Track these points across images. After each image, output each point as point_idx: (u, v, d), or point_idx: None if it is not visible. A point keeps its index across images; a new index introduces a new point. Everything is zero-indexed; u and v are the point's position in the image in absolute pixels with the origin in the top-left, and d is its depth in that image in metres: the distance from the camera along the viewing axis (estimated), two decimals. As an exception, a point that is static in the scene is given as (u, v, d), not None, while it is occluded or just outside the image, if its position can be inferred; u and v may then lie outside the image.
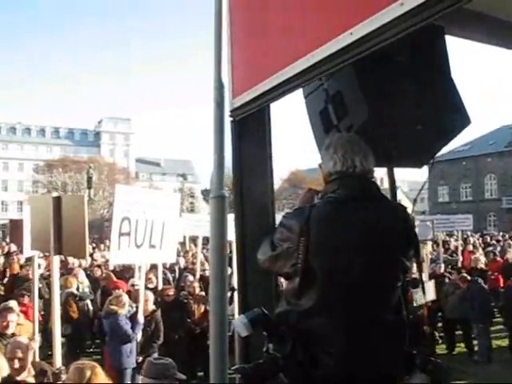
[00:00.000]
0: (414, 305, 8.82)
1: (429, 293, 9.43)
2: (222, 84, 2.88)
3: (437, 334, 11.90)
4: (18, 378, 4.40)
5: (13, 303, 7.48)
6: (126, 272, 12.60)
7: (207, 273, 12.88)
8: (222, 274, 2.80)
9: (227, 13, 3.01)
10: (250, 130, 2.94)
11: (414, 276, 7.77)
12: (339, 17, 2.11)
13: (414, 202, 3.54)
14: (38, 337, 6.55)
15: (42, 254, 9.32)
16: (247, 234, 2.94)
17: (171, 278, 12.67)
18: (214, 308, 2.79)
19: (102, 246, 22.34)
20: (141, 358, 7.80)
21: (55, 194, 4.82)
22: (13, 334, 6.11)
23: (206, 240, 12.95)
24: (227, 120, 2.90)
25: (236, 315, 7.67)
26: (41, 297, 9.32)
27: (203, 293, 10.13)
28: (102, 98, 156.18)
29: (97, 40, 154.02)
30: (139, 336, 7.85)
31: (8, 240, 44.20)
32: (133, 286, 9.59)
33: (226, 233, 2.80)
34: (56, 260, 4.64)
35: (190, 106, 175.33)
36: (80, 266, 13.71)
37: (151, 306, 8.42)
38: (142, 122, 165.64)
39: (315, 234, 2.26)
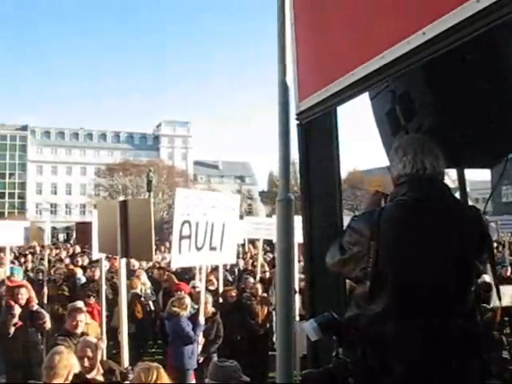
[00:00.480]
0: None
1: (505, 297, 9.12)
2: (287, 87, 2.87)
3: (504, 339, 11.54)
4: (88, 376, 4.51)
5: (80, 303, 7.71)
6: (186, 273, 12.75)
7: (267, 275, 12.93)
8: (289, 276, 2.78)
9: (291, 14, 3.00)
10: (317, 132, 2.91)
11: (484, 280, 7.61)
12: (411, 16, 2.06)
13: (486, 202, 3.45)
14: (105, 336, 6.72)
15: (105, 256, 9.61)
16: (315, 237, 2.92)
17: (231, 280, 12.74)
18: (280, 310, 2.78)
19: (163, 248, 22.64)
20: (202, 359, 7.92)
21: (121, 198, 4.94)
22: (81, 334, 6.28)
23: (265, 242, 13.00)
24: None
25: (297, 317, 7.67)
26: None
27: (265, 294, 10.16)
28: (160, 101, 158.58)
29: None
30: (200, 337, 7.92)
31: (72, 242, 45.50)
32: (194, 287, 9.68)
33: (292, 235, 2.78)
34: (123, 262, 4.74)
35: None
36: (141, 267, 13.94)
37: (211, 308, 8.49)
38: (200, 124, 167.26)
39: (386, 238, 2.23)
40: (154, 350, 12.15)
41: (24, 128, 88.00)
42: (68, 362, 4.16)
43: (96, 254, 6.66)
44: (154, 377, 4.30)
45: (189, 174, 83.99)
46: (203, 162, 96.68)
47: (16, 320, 8.03)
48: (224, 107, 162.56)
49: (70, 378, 4.14)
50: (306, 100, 2.79)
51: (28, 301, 8.30)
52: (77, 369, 4.26)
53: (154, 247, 4.29)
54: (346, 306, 2.74)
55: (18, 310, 8.03)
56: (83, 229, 10.44)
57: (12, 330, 7.98)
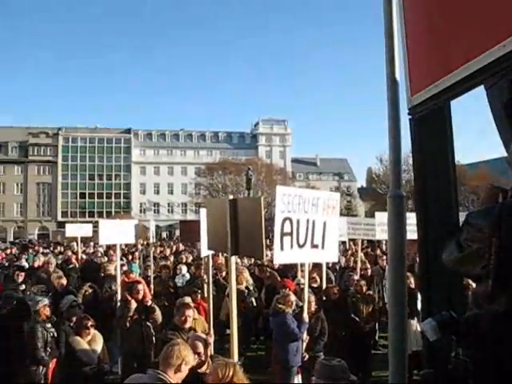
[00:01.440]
0: None
1: None
2: (397, 82, 2.81)
3: None
4: (199, 371, 4.62)
5: (188, 299, 7.95)
6: (287, 271, 12.82)
7: (368, 272, 12.79)
8: (402, 274, 2.71)
9: (399, 6, 2.93)
10: (430, 127, 2.83)
11: None
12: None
13: None
14: (212, 332, 6.88)
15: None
16: (430, 234, 2.84)
17: (333, 277, 12.68)
18: (393, 309, 2.72)
19: (264, 245, 22.77)
20: (307, 357, 7.93)
21: (221, 197, 5.03)
22: (189, 328, 6.46)
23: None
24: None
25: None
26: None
27: (370, 291, 10.04)
28: (258, 100, 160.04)
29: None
30: (305, 335, 7.93)
31: (176, 239, 46.75)
32: (298, 284, 9.73)
33: (404, 233, 2.72)
34: (233, 260, 4.83)
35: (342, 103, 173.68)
36: (243, 264, 14.16)
37: (314, 306, 8.48)
38: (298, 122, 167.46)
39: (508, 234, 2.13)
40: (256, 346, 12.29)
41: (128, 131, 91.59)
42: (182, 353, 4.28)
43: (204, 252, 6.84)
44: (231, 374, 4.32)
45: (287, 171, 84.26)
46: (301, 159, 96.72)
47: (132, 313, 8.41)
48: (322, 104, 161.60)
49: (184, 369, 4.26)
50: (419, 94, 2.72)
51: (143, 296, 8.67)
52: (192, 362, 4.36)
53: (264, 245, 4.33)
54: (463, 304, 2.65)
55: (134, 305, 8.40)
56: (187, 227, 10.71)
57: (130, 322, 8.37)
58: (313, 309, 8.40)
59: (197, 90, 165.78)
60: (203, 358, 4.85)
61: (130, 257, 18.28)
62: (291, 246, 6.12)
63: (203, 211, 6.24)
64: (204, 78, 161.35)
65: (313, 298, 8.52)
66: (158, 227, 68.81)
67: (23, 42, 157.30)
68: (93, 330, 7.07)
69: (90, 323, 7.02)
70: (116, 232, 9.99)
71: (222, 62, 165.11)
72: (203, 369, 4.73)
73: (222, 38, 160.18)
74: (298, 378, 7.93)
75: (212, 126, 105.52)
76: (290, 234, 6.10)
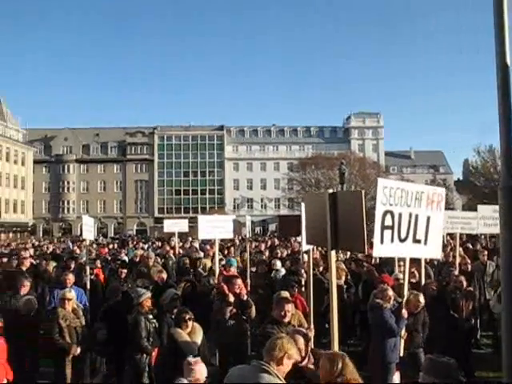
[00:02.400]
0: None
1: None
2: (507, 70, 2.69)
3: None
4: (301, 365, 4.61)
5: (286, 293, 7.99)
6: (384, 265, 12.62)
7: (468, 267, 12.34)
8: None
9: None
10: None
11: None
12: None
13: None
14: (312, 326, 6.87)
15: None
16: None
17: (432, 273, 12.34)
18: (507, 306, 2.62)
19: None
20: (402, 353, 7.75)
21: (314, 192, 4.99)
22: (288, 323, 6.49)
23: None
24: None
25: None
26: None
27: (471, 288, 9.70)
28: (350, 94, 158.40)
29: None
30: (403, 331, 7.77)
31: (270, 234, 47.01)
32: (396, 279, 9.55)
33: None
34: (333, 254, 4.80)
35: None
36: (339, 259, 14.03)
37: (416, 302, 8.27)
38: (391, 114, 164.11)
39: None
40: (352, 341, 12.17)
41: (220, 128, 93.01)
42: (285, 347, 4.27)
43: (305, 246, 6.84)
44: (340, 366, 4.25)
45: (380, 165, 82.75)
46: (395, 152, 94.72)
47: (230, 308, 8.56)
48: (416, 96, 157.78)
49: (287, 363, 4.25)
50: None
51: (240, 290, 8.80)
52: (296, 357, 4.34)
53: (366, 239, 4.27)
54: None
55: (231, 299, 8.54)
56: (285, 222, 10.82)
57: (226, 316, 8.52)
58: (419, 308, 8.21)
59: (288, 86, 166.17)
60: (303, 354, 4.83)
61: (226, 251, 18.54)
62: (392, 240, 5.98)
63: (303, 206, 6.24)
64: (294, 73, 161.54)
65: (421, 299, 8.29)
66: (251, 222, 69.60)
67: (126, 44, 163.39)
68: (192, 323, 7.23)
69: (188, 316, 7.19)
70: (214, 227, 10.17)
71: (312, 55, 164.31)
72: (304, 362, 4.72)
73: (309, 32, 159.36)
74: (396, 375, 7.78)
75: (304, 121, 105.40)
76: (391, 227, 5.96)
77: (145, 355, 8.15)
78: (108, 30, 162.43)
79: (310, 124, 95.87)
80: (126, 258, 18.16)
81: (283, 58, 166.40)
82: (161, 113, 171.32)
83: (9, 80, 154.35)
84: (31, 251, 22.04)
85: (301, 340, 4.90)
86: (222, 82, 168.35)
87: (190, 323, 7.19)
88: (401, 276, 9.19)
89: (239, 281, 9.04)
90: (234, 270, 11.58)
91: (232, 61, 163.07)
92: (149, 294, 8.52)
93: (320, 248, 13.95)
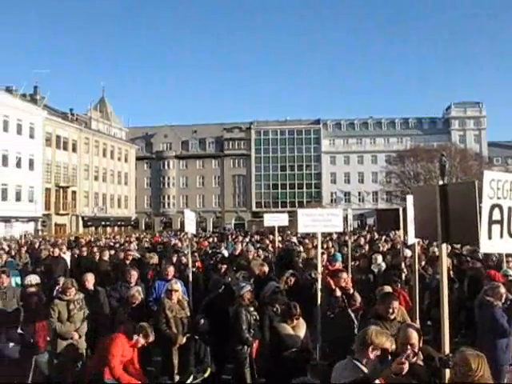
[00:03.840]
0: None
1: None
2: None
3: None
4: (411, 362, 4.48)
5: (388, 288, 7.83)
6: (488, 261, 12.15)
7: None
8: None
9: None
10: None
11: None
12: None
13: None
14: (418, 322, 6.68)
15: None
16: None
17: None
18: None
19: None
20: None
21: (413, 184, 4.81)
22: (393, 319, 6.33)
23: None
24: None
25: None
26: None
27: None
28: (448, 83, 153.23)
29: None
30: (512, 331, 7.40)
31: (368, 228, 46.45)
32: (506, 276, 9.14)
33: None
34: (443, 247, 4.62)
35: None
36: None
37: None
38: (495, 103, 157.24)
39: None
40: (457, 339, 11.73)
41: (317, 122, 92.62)
42: (372, 339, 4.24)
43: (411, 240, 6.66)
44: (475, 366, 4.13)
45: (483, 156, 79.51)
46: (499, 142, 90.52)
47: (336, 302, 8.49)
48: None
49: (375, 353, 4.22)
50: None
51: (346, 284, 8.72)
52: (387, 345, 4.35)
53: (480, 231, 4.08)
54: None
55: (338, 293, 8.48)
56: (385, 215, 10.55)
57: (334, 310, 8.46)
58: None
59: (385, 77, 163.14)
60: (416, 349, 4.69)
61: (325, 246, 18.44)
62: (501, 235, 5.66)
63: (410, 198, 6.07)
64: (391, 64, 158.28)
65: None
66: (347, 216, 68.81)
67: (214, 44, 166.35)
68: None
69: (296, 313, 7.21)
70: (316, 220, 10.07)
71: (408, 46, 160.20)
72: (413, 359, 4.57)
73: (406, 22, 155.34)
74: (507, 378, 7.40)
75: (401, 113, 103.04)
76: (500, 222, 5.65)
77: (246, 347, 8.24)
78: (212, 27, 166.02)
79: (407, 115, 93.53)
80: (225, 252, 18.43)
81: (381, 50, 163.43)
82: (257, 108, 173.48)
83: (112, 81, 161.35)
84: (135, 244, 22.87)
85: (414, 334, 4.75)
86: (317, 76, 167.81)
87: (295, 319, 7.21)
88: (510, 272, 8.78)
89: (345, 275, 8.96)
90: (338, 265, 11.47)
91: (328, 54, 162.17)
92: (250, 287, 8.60)
93: (422, 242, 13.58)
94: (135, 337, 6.86)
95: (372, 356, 4.38)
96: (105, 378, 6.73)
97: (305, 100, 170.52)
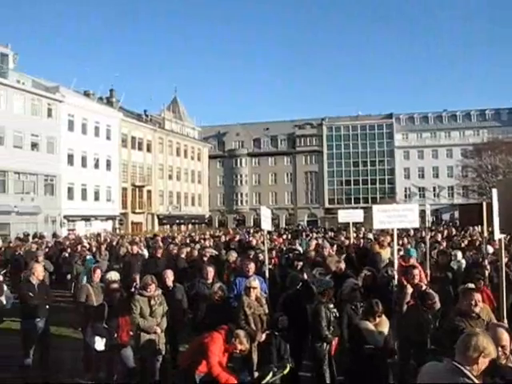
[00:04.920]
0: None
1: None
2: None
3: None
4: (501, 363, 4.29)
5: (472, 285, 7.62)
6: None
7: None
8: None
9: None
10: None
11: None
12: None
13: None
14: (506, 321, 6.46)
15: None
16: None
17: None
18: None
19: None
20: None
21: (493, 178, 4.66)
22: (478, 316, 6.17)
23: None
24: None
25: None
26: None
27: None
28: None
29: None
30: None
31: (444, 224, 45.33)
32: None
33: None
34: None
35: None
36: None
37: None
38: None
39: None
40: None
41: (389, 116, 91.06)
42: (480, 345, 3.88)
43: (497, 235, 6.46)
44: None
45: None
46: None
47: (408, 299, 8.35)
48: None
49: (483, 361, 3.89)
50: None
51: (419, 281, 8.56)
52: (493, 354, 3.96)
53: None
54: None
55: (409, 290, 8.34)
56: (465, 210, 10.26)
57: (405, 308, 8.33)
58: None
59: (458, 67, 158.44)
60: (507, 351, 4.45)
61: (401, 242, 18.15)
62: None
63: (495, 192, 5.90)
64: (465, 51, 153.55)
65: None
66: (423, 212, 67.37)
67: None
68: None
69: (378, 311, 7.13)
70: (391, 216, 9.93)
71: (482, 31, 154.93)
72: (503, 361, 4.36)
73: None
74: None
75: (477, 104, 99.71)
76: None
77: (325, 344, 8.22)
78: (287, 24, 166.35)
79: (484, 107, 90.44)
80: (300, 248, 18.44)
81: (453, 39, 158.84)
82: (328, 104, 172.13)
83: (184, 82, 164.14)
84: (210, 242, 23.20)
85: (505, 335, 4.53)
86: (389, 70, 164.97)
87: (377, 316, 7.13)
88: None
89: (417, 271, 8.78)
90: (413, 261, 11.25)
91: (398, 47, 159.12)
92: (330, 284, 8.56)
93: (503, 238, 13.12)
94: (233, 340, 6.95)
95: (481, 365, 3.94)
96: (195, 373, 6.86)
97: (376, 95, 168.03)
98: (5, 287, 11.99)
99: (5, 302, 11.59)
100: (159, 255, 15.41)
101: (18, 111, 47.33)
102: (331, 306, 8.36)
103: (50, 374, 9.79)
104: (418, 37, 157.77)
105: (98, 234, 40.66)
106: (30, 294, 9.36)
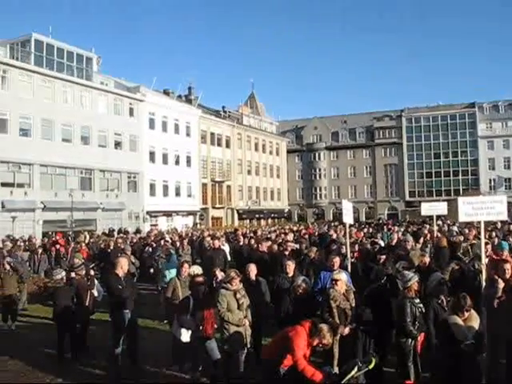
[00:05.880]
0: None
1: None
2: None
3: None
4: None
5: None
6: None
7: None
8: None
9: None
10: None
11: None
12: None
13: None
14: None
15: None
16: None
17: None
18: None
19: None
20: None
21: None
22: None
23: None
24: None
25: None
26: None
27: None
28: None
29: None
30: None
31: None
32: None
33: None
34: None
35: None
36: None
37: None
38: None
39: None
40: None
41: (471, 105, 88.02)
42: None
43: None
44: None
45: None
46: None
47: (499, 294, 8.08)
48: None
49: None
50: None
51: (510, 275, 8.28)
52: None
53: None
54: None
55: (501, 284, 8.07)
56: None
57: (495, 303, 8.06)
58: None
59: None
60: None
61: (487, 235, 17.57)
62: None
63: None
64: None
65: None
66: (510, 204, 64.85)
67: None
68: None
69: (467, 305, 6.94)
70: (477, 209, 9.62)
71: None
72: None
73: None
74: None
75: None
76: None
77: (410, 340, 8.06)
78: (358, 19, 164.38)
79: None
80: (381, 242, 18.21)
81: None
82: (407, 95, 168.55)
83: (261, 77, 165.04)
84: (291, 236, 23.23)
85: None
86: (470, 57, 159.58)
87: (466, 311, 6.93)
88: None
89: (508, 265, 8.47)
90: (506, 254, 10.84)
91: (478, 32, 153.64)
92: (417, 278, 8.37)
93: None
94: (316, 334, 6.94)
95: None
96: (279, 367, 6.89)
97: (457, 83, 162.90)
98: (95, 281, 12.45)
99: (96, 295, 12.06)
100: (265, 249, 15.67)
101: (102, 111, 49.20)
102: (417, 301, 8.17)
103: (139, 363, 10.12)
104: (500, 21, 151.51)
105: (175, 229, 41.71)
106: (120, 286, 9.66)
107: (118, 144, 50.77)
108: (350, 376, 6.83)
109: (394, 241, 16.56)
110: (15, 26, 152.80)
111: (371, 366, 7.07)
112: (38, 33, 44.34)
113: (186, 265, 11.08)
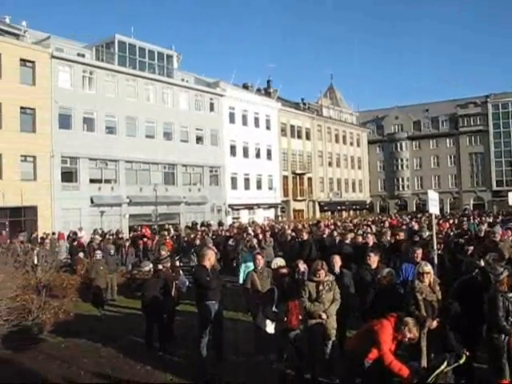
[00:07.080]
0: None
1: None
2: None
3: None
4: None
5: None
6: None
7: None
8: None
9: None
10: None
11: None
12: None
13: None
14: None
15: None
16: None
17: None
18: None
19: None
20: None
21: None
22: None
23: None
24: None
25: None
26: None
27: None
28: None
29: None
30: None
31: None
32: None
33: None
34: None
35: None
36: None
37: None
38: None
39: None
40: None
41: None
42: None
43: None
44: None
45: None
46: None
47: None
48: None
49: None
50: None
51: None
52: None
53: None
54: None
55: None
56: None
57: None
58: None
59: None
60: None
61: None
62: None
63: None
64: None
65: None
66: None
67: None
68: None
69: None
70: None
71: None
72: None
73: None
74: None
75: None
76: None
77: (503, 335, 7.76)
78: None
79: None
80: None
81: None
82: (493, 80, 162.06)
83: (340, 68, 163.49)
84: (373, 228, 22.96)
85: None
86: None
87: None
88: None
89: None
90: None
91: None
92: (508, 271, 8.06)
93: None
94: (402, 328, 6.84)
95: None
96: (364, 360, 6.84)
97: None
98: (180, 272, 12.77)
99: (181, 286, 12.37)
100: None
101: (183, 107, 50.23)
102: (510, 295, 7.83)
103: (225, 353, 10.29)
104: None
105: (253, 222, 42.05)
106: (208, 278, 9.82)
107: (199, 139, 51.63)
108: (438, 371, 6.67)
109: (482, 232, 16.04)
110: (99, 29, 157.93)
111: (462, 361, 6.89)
112: (120, 34, 45.69)
113: (258, 256, 11.16)
